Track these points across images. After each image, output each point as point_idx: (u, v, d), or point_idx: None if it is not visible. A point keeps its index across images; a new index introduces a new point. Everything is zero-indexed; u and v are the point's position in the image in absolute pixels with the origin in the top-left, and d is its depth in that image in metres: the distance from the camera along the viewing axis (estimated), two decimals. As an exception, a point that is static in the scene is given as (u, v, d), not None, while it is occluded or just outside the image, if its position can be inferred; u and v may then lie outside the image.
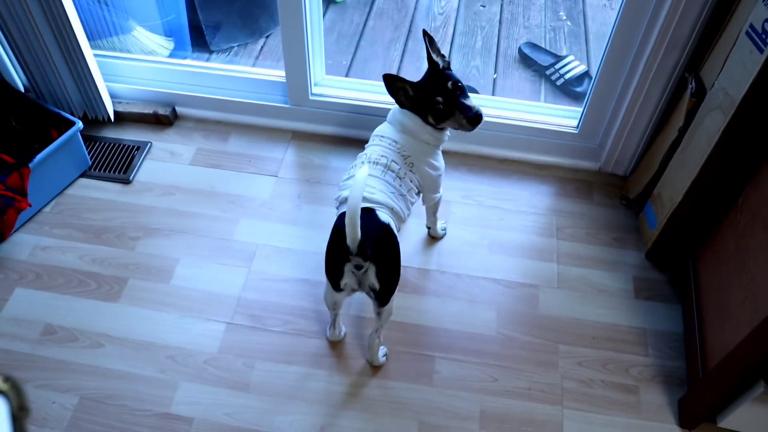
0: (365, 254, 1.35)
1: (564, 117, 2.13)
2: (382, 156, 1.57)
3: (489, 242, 1.96)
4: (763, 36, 1.35)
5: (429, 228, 1.94)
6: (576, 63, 2.54)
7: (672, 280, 1.86)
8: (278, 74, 2.18)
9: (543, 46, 2.71)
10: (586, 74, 2.53)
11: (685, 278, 1.78)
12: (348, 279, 1.42)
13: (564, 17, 2.88)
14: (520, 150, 2.16)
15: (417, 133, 1.60)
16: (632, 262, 1.92)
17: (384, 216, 1.46)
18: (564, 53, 2.62)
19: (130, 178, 2.07)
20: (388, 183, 1.53)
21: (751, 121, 1.45)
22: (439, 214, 1.89)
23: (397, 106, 1.62)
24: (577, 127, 2.09)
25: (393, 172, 1.55)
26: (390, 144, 1.60)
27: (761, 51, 1.36)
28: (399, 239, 1.49)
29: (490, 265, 1.90)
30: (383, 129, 1.65)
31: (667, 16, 1.69)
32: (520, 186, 2.12)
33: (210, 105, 2.24)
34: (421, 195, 1.70)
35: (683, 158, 1.69)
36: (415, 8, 2.90)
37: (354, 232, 1.29)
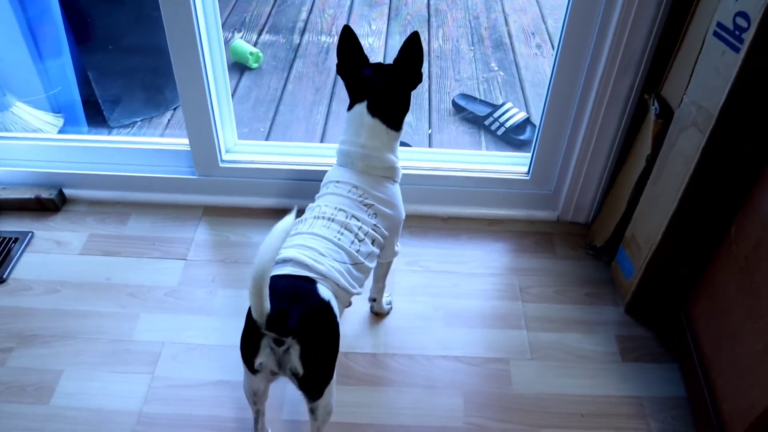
0: (284, 326, 1.03)
1: (512, 164, 1.90)
2: (338, 209, 1.27)
3: (444, 313, 1.65)
4: (737, 32, 1.15)
5: (373, 301, 1.62)
6: (515, 110, 2.35)
7: (661, 336, 1.59)
8: (182, 142, 1.88)
9: (478, 96, 2.52)
10: (527, 121, 2.34)
11: (677, 332, 1.51)
12: (265, 357, 1.08)
13: (496, 68, 2.73)
14: (467, 205, 1.91)
15: (382, 153, 1.32)
16: (611, 320, 1.64)
17: (325, 292, 1.15)
18: (501, 102, 2.43)
19: (4, 276, 1.69)
20: (342, 250, 1.22)
21: (734, 134, 1.23)
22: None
23: (345, 138, 1.34)
24: (528, 173, 1.85)
25: (351, 233, 1.25)
26: (349, 191, 1.30)
27: (736, 50, 1.15)
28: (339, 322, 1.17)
29: (448, 340, 1.58)
30: (337, 173, 1.35)
31: (615, 36, 1.50)
32: (471, 245, 1.84)
33: (105, 183, 1.90)
34: None
35: (656, 191, 1.46)
36: (338, 69, 2.69)
37: (260, 303, 0.96)
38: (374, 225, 1.30)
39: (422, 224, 1.89)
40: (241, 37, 2.86)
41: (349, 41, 1.30)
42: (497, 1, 3.22)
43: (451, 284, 1.73)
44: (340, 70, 1.34)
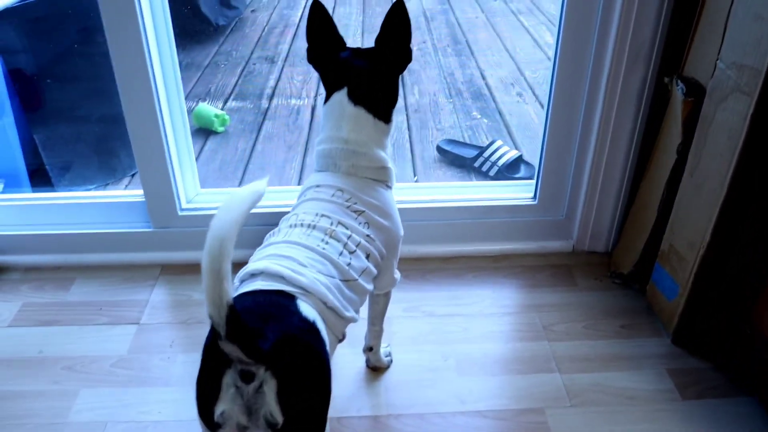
0: (256, 348, 0.74)
1: (516, 190, 1.67)
2: (321, 215, 1.01)
3: (455, 362, 1.35)
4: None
5: (369, 351, 1.31)
6: (506, 148, 2.16)
7: (722, 365, 1.31)
8: (136, 193, 1.63)
9: (463, 140, 2.34)
10: (520, 159, 2.14)
11: (745, 356, 1.23)
12: (228, 403, 0.78)
13: (478, 116, 2.57)
14: (469, 241, 1.65)
15: (370, 149, 1.09)
16: (658, 352, 1.36)
17: (309, 310, 0.87)
18: (489, 141, 2.24)
19: None
20: (328, 261, 0.95)
21: (791, 88, 1.03)
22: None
23: (323, 136, 1.11)
24: (535, 197, 1.62)
25: (338, 242, 0.98)
26: (333, 195, 1.05)
27: (783, -17, 0.97)
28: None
29: (465, 392, 1.28)
30: (317, 178, 1.10)
31: (620, 23, 1.33)
32: (478, 285, 1.57)
33: (44, 246, 1.62)
34: None
35: (696, 182, 1.23)
36: (310, 127, 2.50)
37: (217, 288, 0.68)
38: (367, 236, 1.04)
39: (419, 266, 1.62)
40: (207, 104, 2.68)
41: (320, 20, 1.09)
42: (470, 59, 3.13)
43: (460, 328, 1.44)
44: (312, 55, 1.11)
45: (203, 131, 2.46)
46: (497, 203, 1.63)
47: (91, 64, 2.18)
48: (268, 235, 1.03)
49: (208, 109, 2.49)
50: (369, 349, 1.31)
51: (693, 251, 1.25)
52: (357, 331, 1.32)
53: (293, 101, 2.73)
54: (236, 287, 0.93)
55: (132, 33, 1.36)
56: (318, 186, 1.08)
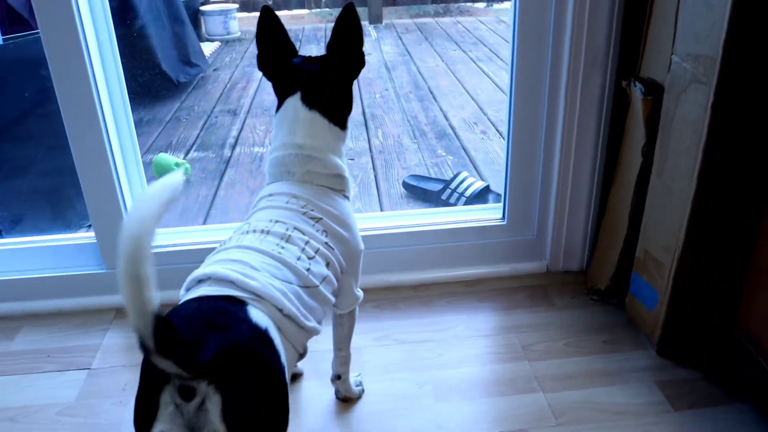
0: (194, 361, 0.66)
1: (484, 212, 1.63)
2: (275, 221, 0.94)
3: (432, 387, 1.27)
4: (726, -53, 0.98)
5: (337, 380, 1.22)
6: (473, 179, 2.14)
7: (712, 373, 1.24)
8: (87, 236, 1.55)
9: (429, 176, 2.31)
10: (488, 189, 2.11)
11: (736, 361, 1.17)
12: (166, 423, 0.69)
13: (443, 153, 2.56)
14: (439, 266, 1.59)
15: (326, 154, 1.03)
16: (644, 365, 1.29)
17: (260, 317, 0.79)
18: (455, 173, 2.22)
19: None
20: (284, 266, 0.88)
21: (749, 74, 1.01)
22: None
23: (275, 144, 1.05)
24: (503, 217, 1.58)
25: (296, 246, 0.91)
26: (288, 202, 0.98)
27: (731, -34, 0.97)
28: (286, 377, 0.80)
29: (443, 419, 1.19)
30: (271, 187, 1.04)
31: (573, 32, 1.33)
32: (451, 311, 1.50)
33: (-14, 295, 1.52)
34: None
35: (664, 182, 1.20)
36: (274, 171, 2.45)
37: (137, 297, 0.60)
38: (326, 243, 0.97)
39: (390, 296, 1.55)
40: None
41: (271, 25, 1.05)
42: (433, 103, 3.15)
43: (434, 354, 1.36)
44: (263, 62, 1.07)
45: (163, 181, 2.39)
46: (466, 225, 1.58)
47: (49, 122, 2.13)
48: (218, 245, 0.96)
49: (168, 158, 2.44)
50: (337, 378, 1.21)
51: (669, 254, 1.21)
52: (323, 363, 1.24)
53: (256, 149, 2.69)
54: (181, 296, 0.85)
55: (83, 89, 1.34)
56: (271, 195, 1.02)
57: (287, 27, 1.06)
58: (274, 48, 1.06)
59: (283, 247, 0.90)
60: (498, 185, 2.17)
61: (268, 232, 0.92)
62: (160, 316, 0.61)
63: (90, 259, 1.53)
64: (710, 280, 1.19)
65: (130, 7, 2.97)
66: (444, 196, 2.11)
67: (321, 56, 1.08)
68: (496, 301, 1.52)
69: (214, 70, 3.83)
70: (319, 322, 0.92)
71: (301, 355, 0.93)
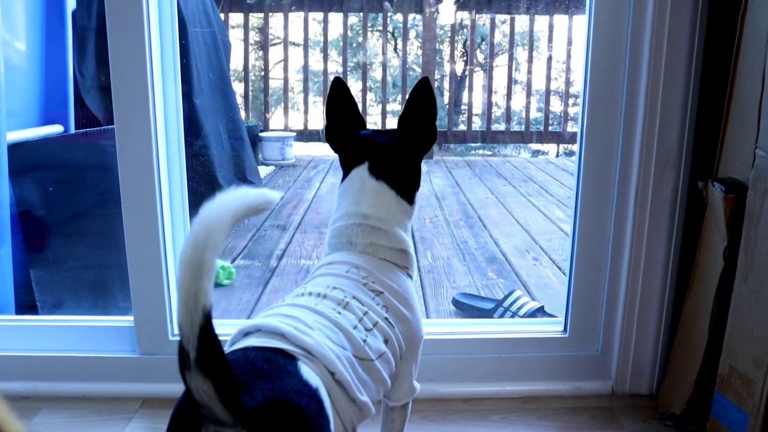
0: (237, 402, 0.58)
1: (543, 324, 1.52)
2: (333, 288, 0.87)
3: None
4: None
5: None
6: (527, 298, 2.03)
7: None
8: (125, 319, 1.50)
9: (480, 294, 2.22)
10: (542, 310, 1.99)
11: None
12: None
13: (494, 277, 2.47)
14: (494, 380, 1.46)
15: (391, 227, 0.97)
16: (735, 503, 1.11)
17: (311, 375, 0.71)
18: (508, 292, 2.11)
19: None
20: (340, 331, 0.80)
21: None
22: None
23: (338, 215, 1.00)
24: (565, 329, 1.46)
25: (353, 315, 0.83)
26: (348, 271, 0.91)
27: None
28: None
29: None
30: (330, 257, 0.97)
31: (644, 131, 1.30)
32: (507, 426, 1.35)
33: (12, 371, 1.44)
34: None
35: (752, 287, 1.09)
36: (320, 281, 2.40)
37: (192, 287, 0.54)
38: (386, 319, 0.89)
39: (437, 407, 1.41)
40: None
41: (341, 96, 1.04)
42: (483, 230, 3.11)
43: (489, 472, 1.20)
44: (330, 133, 1.06)
45: (207, 284, 2.36)
46: (524, 335, 1.46)
47: (103, 222, 2.16)
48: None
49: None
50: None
51: (760, 369, 1.07)
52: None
53: (303, 261, 2.66)
54: (225, 351, 0.77)
55: (148, 192, 1.38)
56: (330, 263, 0.95)
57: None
58: (343, 119, 1.05)
59: (339, 312, 0.83)
60: (552, 309, 2.06)
61: (324, 296, 0.85)
62: (209, 317, 0.54)
63: (125, 343, 1.46)
64: (812, 400, 1.04)
65: (196, 122, 3.12)
66: (496, 315, 2.00)
67: (391, 129, 1.06)
68: (557, 420, 1.37)
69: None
70: (372, 401, 0.81)
71: (348, 439, 0.81)
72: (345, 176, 1.04)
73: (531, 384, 1.45)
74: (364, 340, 0.82)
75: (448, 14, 5.22)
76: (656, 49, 1.27)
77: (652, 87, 1.28)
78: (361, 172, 1.01)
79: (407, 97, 1.03)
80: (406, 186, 1.02)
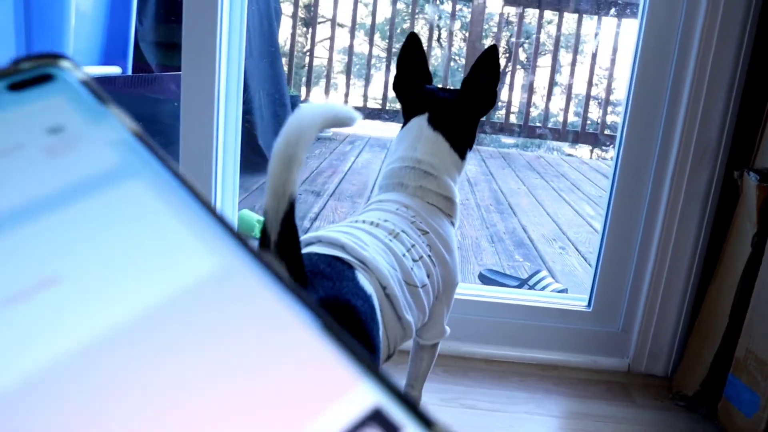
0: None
1: (569, 297, 1.58)
2: (384, 220, 0.94)
3: (499, 456, 1.17)
4: None
5: None
6: (551, 279, 2.09)
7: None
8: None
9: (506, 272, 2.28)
10: (565, 292, 2.05)
11: None
12: None
13: (521, 260, 2.53)
14: (515, 345, 1.52)
15: (442, 174, 1.03)
16: (737, 477, 1.16)
17: (366, 284, 0.78)
18: (533, 271, 2.18)
19: None
20: (391, 254, 0.87)
21: None
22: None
23: (393, 158, 1.06)
24: (589, 304, 1.52)
25: (402, 245, 0.90)
26: (398, 209, 0.97)
27: None
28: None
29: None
30: (382, 195, 1.04)
31: (685, 123, 1.35)
32: (524, 389, 1.42)
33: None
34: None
35: (778, 272, 1.14)
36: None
37: (282, 176, 0.62)
38: (429, 256, 0.96)
39: (458, 364, 1.48)
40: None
41: (413, 50, 1.11)
42: (512, 216, 3.16)
43: (505, 425, 1.27)
44: (398, 83, 1.12)
45: (243, 236, 2.46)
46: (549, 305, 1.53)
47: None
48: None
49: (251, 214, 2.51)
50: None
51: (777, 352, 1.13)
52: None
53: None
54: None
55: (207, 141, 1.53)
56: (381, 201, 1.02)
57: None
58: (412, 72, 1.11)
59: (390, 240, 0.90)
60: (576, 288, 2.11)
61: (377, 225, 0.92)
62: (293, 204, 0.61)
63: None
64: (823, 385, 1.09)
65: (243, 85, 3.21)
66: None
67: (455, 89, 1.12)
68: (572, 388, 1.43)
69: (306, 157, 4.01)
70: (415, 325, 0.88)
71: (389, 356, 0.89)
72: (405, 122, 1.11)
73: (550, 353, 1.52)
74: (411, 268, 0.89)
75: (495, 7, 5.24)
76: (705, 45, 1.31)
77: (697, 83, 1.32)
78: (420, 121, 1.07)
79: (475, 61, 1.10)
80: (460, 141, 1.08)
